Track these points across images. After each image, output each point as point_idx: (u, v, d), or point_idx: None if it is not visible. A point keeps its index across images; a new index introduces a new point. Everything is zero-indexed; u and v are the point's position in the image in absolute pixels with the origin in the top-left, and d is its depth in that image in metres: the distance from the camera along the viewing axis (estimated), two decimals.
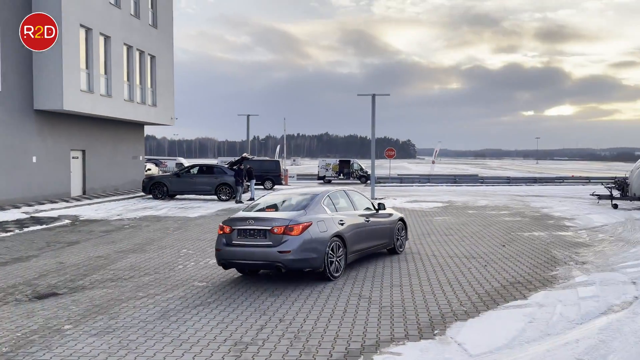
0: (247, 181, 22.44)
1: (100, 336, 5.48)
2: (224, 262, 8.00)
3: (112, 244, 11.50)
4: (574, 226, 14.22)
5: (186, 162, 44.86)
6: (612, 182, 21.40)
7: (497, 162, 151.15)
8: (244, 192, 21.94)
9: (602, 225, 14.16)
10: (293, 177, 44.81)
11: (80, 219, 15.91)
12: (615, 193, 19.97)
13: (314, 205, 8.34)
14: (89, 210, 17.92)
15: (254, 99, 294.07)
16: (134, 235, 12.84)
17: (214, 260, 9.26)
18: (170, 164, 43.97)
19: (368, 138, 24.91)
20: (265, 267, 8.05)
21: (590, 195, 22.71)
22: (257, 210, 8.48)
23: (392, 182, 39.96)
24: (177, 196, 23.01)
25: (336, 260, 8.04)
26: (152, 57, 26.33)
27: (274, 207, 8.75)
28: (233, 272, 8.44)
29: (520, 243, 11.37)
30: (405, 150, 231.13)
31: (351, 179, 41.21)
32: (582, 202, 21.80)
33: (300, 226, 7.67)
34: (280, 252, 7.50)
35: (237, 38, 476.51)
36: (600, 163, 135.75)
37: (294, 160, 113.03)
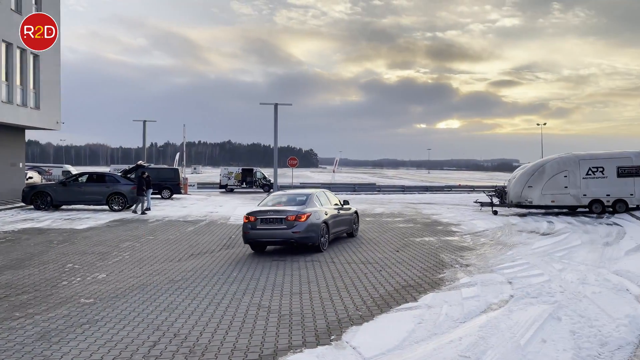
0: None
1: None
2: (252, 240, 11.32)
3: None
4: (459, 231, 15.33)
5: (74, 170, 41.68)
6: (492, 191, 23.47)
7: (393, 172, 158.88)
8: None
9: (484, 230, 15.43)
10: (193, 185, 43.50)
11: None
12: (495, 200, 21.91)
13: (309, 201, 11.89)
14: None
15: (152, 104, 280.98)
16: (11, 249, 11.65)
17: (103, 275, 8.89)
18: (56, 172, 40.55)
19: (271, 147, 24.97)
20: (281, 243, 11.58)
21: (474, 202, 24.69)
22: (269, 206, 11.85)
23: None
24: (64, 207, 21.32)
25: (324, 239, 11.64)
26: (36, 56, 24.20)
27: (280, 204, 12.13)
28: (126, 285, 7.98)
29: (412, 248, 12.02)
30: (307, 159, 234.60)
31: (254, 187, 40.94)
32: (467, 209, 23.59)
33: (305, 215, 11.15)
34: (293, 232, 10.99)
35: (132, 40, 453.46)
36: (483, 173, 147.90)
37: (195, 169, 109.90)
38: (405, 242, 12.98)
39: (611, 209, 19.50)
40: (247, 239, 11.34)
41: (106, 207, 20.98)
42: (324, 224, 11.63)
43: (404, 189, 42.78)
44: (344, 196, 22.25)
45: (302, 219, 11.08)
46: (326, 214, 11.97)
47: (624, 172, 19.64)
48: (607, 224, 16.31)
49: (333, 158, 73.76)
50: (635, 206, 19.60)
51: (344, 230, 13.32)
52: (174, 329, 5.95)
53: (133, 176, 23.19)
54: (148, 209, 20.83)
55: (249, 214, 11.35)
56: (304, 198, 12.11)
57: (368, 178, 79.31)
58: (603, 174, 19.72)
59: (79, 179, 22.13)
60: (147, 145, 36.88)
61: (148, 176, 21.33)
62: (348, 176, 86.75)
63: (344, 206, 13.56)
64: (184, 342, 5.53)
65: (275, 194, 13.64)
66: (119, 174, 23.36)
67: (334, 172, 63.86)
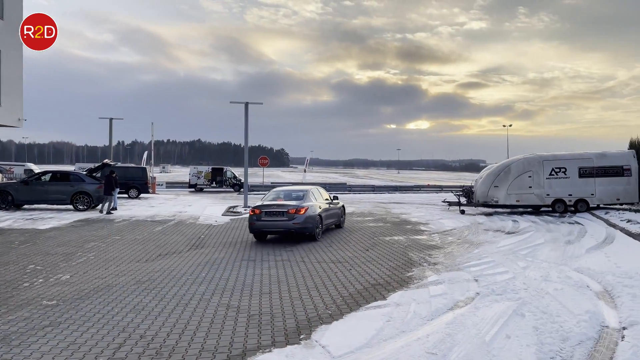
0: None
1: None
2: (257, 230, 13.00)
3: None
4: (428, 230, 15.56)
5: (37, 169, 40.38)
6: (460, 191, 23.91)
7: (363, 172, 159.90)
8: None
9: (452, 229, 15.71)
10: (162, 185, 42.77)
11: None
12: (463, 200, 22.33)
13: (306, 197, 13.51)
14: None
15: (119, 101, 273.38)
16: None
17: (67, 276, 8.68)
18: (18, 171, 39.21)
19: (242, 146, 24.79)
20: (283, 233, 13.07)
21: (442, 202, 25.11)
22: (271, 201, 13.36)
23: (266, 191, 40.11)
24: (26, 206, 20.64)
25: (319, 229, 13.32)
26: None
27: (281, 198, 13.62)
28: (91, 286, 7.79)
29: (382, 247, 12.14)
30: (278, 158, 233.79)
31: (224, 187, 40.53)
32: (436, 208, 23.97)
33: (303, 209, 12.77)
34: (293, 223, 12.58)
35: (98, 35, 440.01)
36: (451, 173, 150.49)
37: (164, 168, 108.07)
38: (374, 241, 13.09)
39: (573, 208, 20.13)
40: (252, 229, 13.04)
41: (70, 206, 20.42)
42: (318, 217, 13.33)
43: (374, 189, 43.10)
44: None
45: (301, 212, 12.72)
46: (320, 208, 13.65)
47: (585, 173, 20.30)
48: (569, 223, 16.83)
49: (304, 157, 73.78)
50: (595, 205, 20.30)
51: (333, 222, 15.16)
52: (140, 331, 5.84)
53: (99, 175, 22.64)
54: (114, 208, 20.38)
55: (255, 207, 13.05)
56: (302, 194, 13.71)
57: (339, 178, 79.59)
58: (565, 174, 20.35)
59: (42, 177, 21.44)
60: (114, 143, 36.06)
61: (115, 175, 20.87)
62: (319, 176, 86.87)
63: (334, 201, 15.33)
64: (150, 343, 5.43)
65: (276, 190, 15.19)
66: (84, 172, 22.77)
67: (305, 171, 63.76)
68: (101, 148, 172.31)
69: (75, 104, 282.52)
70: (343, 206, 16.34)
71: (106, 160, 24.41)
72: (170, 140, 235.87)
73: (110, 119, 32.61)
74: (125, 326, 6.01)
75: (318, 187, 15.41)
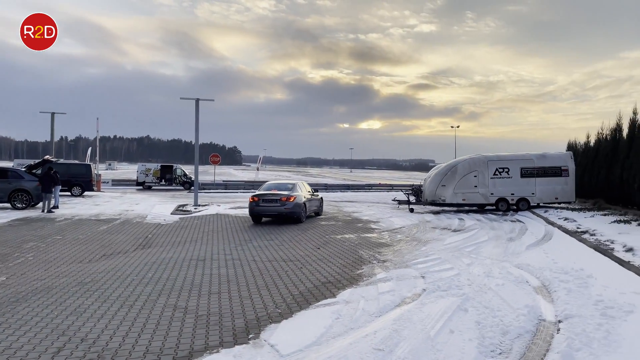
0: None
1: None
2: (255, 214, 16.59)
3: None
4: (378, 228, 15.82)
5: None
6: (409, 190, 24.46)
7: (316, 170, 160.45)
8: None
9: (401, 227, 16.04)
10: (108, 182, 41.33)
11: None
12: (412, 199, 22.85)
13: (294, 188, 17.22)
14: None
15: (62, 95, 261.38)
16: None
17: (3, 278, 8.34)
18: None
19: (193, 143, 24.26)
20: (276, 216, 16.61)
21: (392, 200, 25.59)
22: (266, 191, 16.95)
23: (217, 189, 39.55)
24: None
25: (304, 214, 16.88)
26: None
27: (275, 189, 17.20)
28: (29, 288, 7.42)
29: (333, 245, 12.23)
30: (231, 156, 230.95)
31: (174, 185, 39.62)
32: (386, 206, 24.39)
33: (293, 197, 16.36)
34: (285, 208, 16.22)
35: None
36: (402, 172, 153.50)
37: (110, 165, 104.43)
38: (326, 240, 13.17)
39: (515, 207, 21.01)
40: (252, 213, 16.70)
41: (8, 204, 19.38)
42: (303, 204, 16.94)
43: (326, 187, 43.34)
44: None
45: (291, 200, 16.39)
46: (305, 198, 17.26)
47: (527, 173, 21.24)
48: (512, 221, 17.56)
49: (257, 156, 73.18)
50: (536, 204, 21.27)
51: (314, 210, 18.63)
52: (81, 334, 5.62)
53: (39, 172, 21.61)
54: (56, 206, 19.50)
55: (254, 196, 16.68)
56: (290, 186, 17.50)
57: (292, 176, 79.48)
58: (508, 174, 21.21)
59: None
60: (57, 139, 34.53)
61: (55, 172, 19.97)
62: (272, 174, 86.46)
63: (315, 194, 19.05)
64: (91, 347, 5.24)
65: (269, 183, 19.06)
66: (23, 169, 21.64)
67: (257, 169, 63.27)
68: (42, 144, 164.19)
69: (15, 98, 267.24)
70: (322, 198, 20.03)
71: (47, 156, 23.33)
72: (118, 137, 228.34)
73: (53, 113, 31.11)
74: (65, 329, 5.76)
75: (303, 181, 19.31)
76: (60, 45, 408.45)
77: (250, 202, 16.67)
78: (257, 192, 16.85)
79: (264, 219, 17.23)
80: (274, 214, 16.43)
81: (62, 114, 32.85)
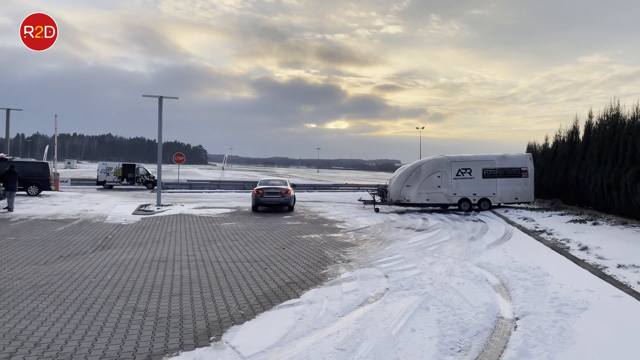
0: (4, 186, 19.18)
1: None
2: (260, 203, 20.98)
3: None
4: (344, 228, 15.89)
5: None
6: (375, 190, 24.67)
7: (284, 170, 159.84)
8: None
9: (366, 227, 16.16)
10: (66, 182, 40.03)
11: None
12: (377, 199, 23.06)
13: (287, 184, 22.58)
14: None
15: (17, 91, 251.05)
16: None
17: None
18: None
19: (156, 141, 23.68)
20: (276, 206, 21.20)
21: (358, 200, 25.76)
22: (265, 186, 21.91)
23: (182, 188, 38.87)
24: None
25: (294, 204, 21.91)
26: None
27: (273, 184, 22.43)
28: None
29: (298, 245, 12.21)
30: (196, 155, 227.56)
31: (136, 184, 38.71)
32: (352, 206, 24.53)
33: (289, 191, 21.53)
34: (284, 199, 21.04)
35: None
36: (368, 172, 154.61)
37: (69, 163, 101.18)
38: (291, 240, 13.13)
39: (477, 207, 21.50)
40: (257, 202, 20.96)
41: None
42: (294, 196, 21.91)
43: (293, 187, 43.23)
44: (234, 194, 28.29)
45: (289, 193, 21.34)
46: (292, 191, 22.04)
47: (488, 174, 21.77)
48: (473, 221, 17.96)
49: (223, 155, 72.41)
50: (497, 204, 21.82)
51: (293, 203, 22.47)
52: (34, 338, 5.41)
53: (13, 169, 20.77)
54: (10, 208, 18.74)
55: (258, 189, 21.13)
56: (284, 182, 22.87)
57: (259, 176, 78.92)
58: (471, 175, 21.68)
59: None
60: (12, 136, 33.12)
61: (14, 169, 19.21)
62: (238, 174, 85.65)
63: (293, 189, 23.63)
64: (45, 351, 5.05)
65: (264, 179, 24.18)
66: None
67: (223, 169, 62.53)
68: None
69: None
70: (294, 194, 23.53)
71: (1, 154, 22.40)
72: (77, 134, 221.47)
73: (8, 110, 29.92)
74: (18, 334, 5.54)
75: (290, 179, 24.71)
76: (16, 39, 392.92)
77: (254, 194, 21.03)
78: (260, 187, 21.39)
79: (260, 207, 21.38)
80: (275, 203, 20.95)
81: (19, 110, 31.66)
